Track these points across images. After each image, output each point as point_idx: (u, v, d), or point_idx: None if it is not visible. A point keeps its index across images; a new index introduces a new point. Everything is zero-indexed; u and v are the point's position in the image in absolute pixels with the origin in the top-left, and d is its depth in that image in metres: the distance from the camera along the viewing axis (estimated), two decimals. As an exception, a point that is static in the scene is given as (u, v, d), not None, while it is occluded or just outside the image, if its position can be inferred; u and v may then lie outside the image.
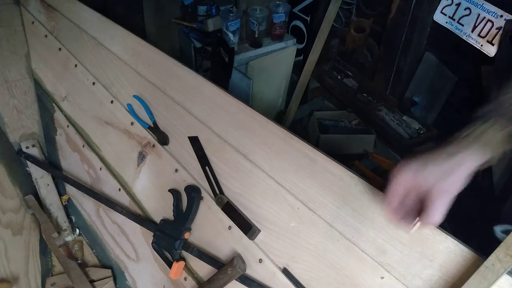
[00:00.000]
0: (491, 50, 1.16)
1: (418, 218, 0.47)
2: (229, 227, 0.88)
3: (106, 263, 1.28)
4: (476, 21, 1.23)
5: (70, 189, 1.39)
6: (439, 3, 1.33)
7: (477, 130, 0.43)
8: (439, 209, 0.43)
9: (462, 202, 0.48)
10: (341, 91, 1.98)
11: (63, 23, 1.36)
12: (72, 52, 1.32)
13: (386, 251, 0.65)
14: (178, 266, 0.94)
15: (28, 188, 1.39)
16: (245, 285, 0.82)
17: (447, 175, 0.42)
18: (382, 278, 0.66)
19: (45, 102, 1.43)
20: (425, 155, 0.44)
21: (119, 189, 1.15)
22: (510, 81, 0.46)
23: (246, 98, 1.89)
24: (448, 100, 1.60)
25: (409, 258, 0.63)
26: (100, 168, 1.21)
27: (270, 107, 2.17)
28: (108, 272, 1.23)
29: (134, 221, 1.07)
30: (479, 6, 1.22)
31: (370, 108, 1.84)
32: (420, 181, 0.43)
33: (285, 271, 0.77)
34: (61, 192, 1.42)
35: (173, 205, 0.95)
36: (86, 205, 1.32)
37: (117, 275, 1.23)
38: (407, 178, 0.44)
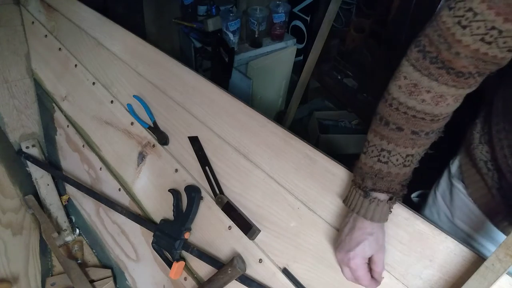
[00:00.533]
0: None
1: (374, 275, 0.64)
2: (229, 227, 0.88)
3: (106, 263, 1.28)
4: (476, 21, 1.22)
5: (70, 189, 1.39)
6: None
7: (370, 211, 0.60)
8: (381, 263, 0.62)
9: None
10: (341, 91, 1.98)
11: (63, 23, 1.36)
12: (72, 52, 1.32)
13: (386, 251, 0.65)
14: (178, 266, 0.94)
15: (28, 188, 1.39)
16: (245, 285, 0.82)
17: (374, 244, 0.61)
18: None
19: (45, 102, 1.43)
20: (353, 239, 0.61)
21: (119, 189, 1.15)
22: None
23: (246, 98, 1.89)
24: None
25: (409, 258, 0.63)
26: (100, 168, 1.21)
27: (270, 107, 2.17)
28: (108, 272, 1.23)
29: (134, 221, 1.07)
30: (479, 6, 1.21)
31: (370, 108, 1.84)
32: (365, 256, 0.61)
33: (285, 271, 0.77)
34: (61, 192, 1.42)
35: (173, 205, 0.95)
36: (86, 205, 1.32)
37: (117, 275, 1.23)
38: (359, 260, 0.61)
